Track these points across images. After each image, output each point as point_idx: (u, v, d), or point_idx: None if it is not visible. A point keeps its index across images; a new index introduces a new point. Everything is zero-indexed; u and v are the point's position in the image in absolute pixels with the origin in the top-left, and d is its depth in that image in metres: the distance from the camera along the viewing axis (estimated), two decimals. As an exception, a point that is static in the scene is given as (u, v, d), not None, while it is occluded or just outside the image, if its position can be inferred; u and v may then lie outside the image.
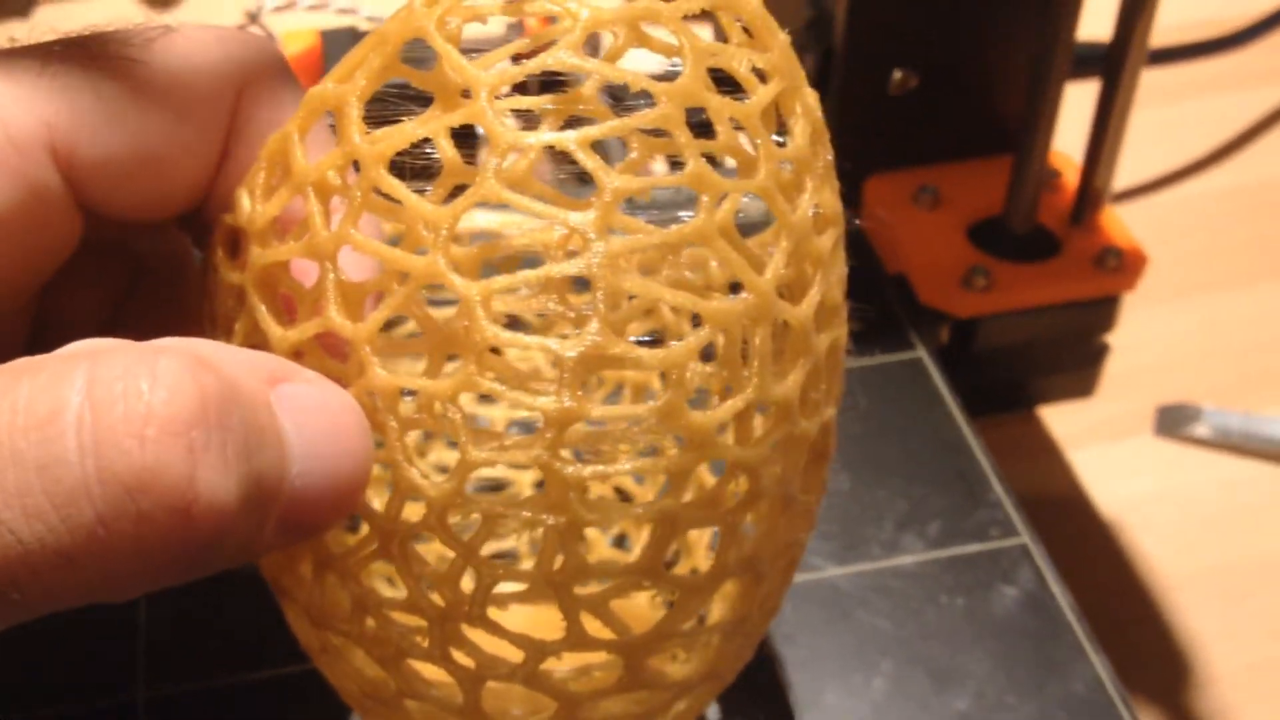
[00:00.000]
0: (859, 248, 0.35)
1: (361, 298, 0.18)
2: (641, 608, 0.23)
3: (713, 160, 0.17)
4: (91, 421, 0.14)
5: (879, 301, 0.34)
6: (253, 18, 0.48)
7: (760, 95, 0.18)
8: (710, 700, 0.22)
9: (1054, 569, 0.28)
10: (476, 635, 0.18)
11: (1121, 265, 0.36)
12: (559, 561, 0.17)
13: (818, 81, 0.38)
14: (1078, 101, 0.36)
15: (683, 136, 0.17)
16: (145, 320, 0.22)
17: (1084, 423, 0.42)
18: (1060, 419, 0.42)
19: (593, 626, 0.18)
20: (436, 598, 0.18)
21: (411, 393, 0.17)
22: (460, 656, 0.19)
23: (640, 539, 0.28)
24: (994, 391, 0.39)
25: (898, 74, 0.37)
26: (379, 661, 0.19)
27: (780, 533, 0.19)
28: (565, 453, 0.17)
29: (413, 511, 0.17)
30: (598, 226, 0.16)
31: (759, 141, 0.17)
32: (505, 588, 0.18)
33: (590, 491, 0.17)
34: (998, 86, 0.38)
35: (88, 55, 0.18)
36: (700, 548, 0.26)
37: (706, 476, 0.23)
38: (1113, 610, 0.37)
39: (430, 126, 0.17)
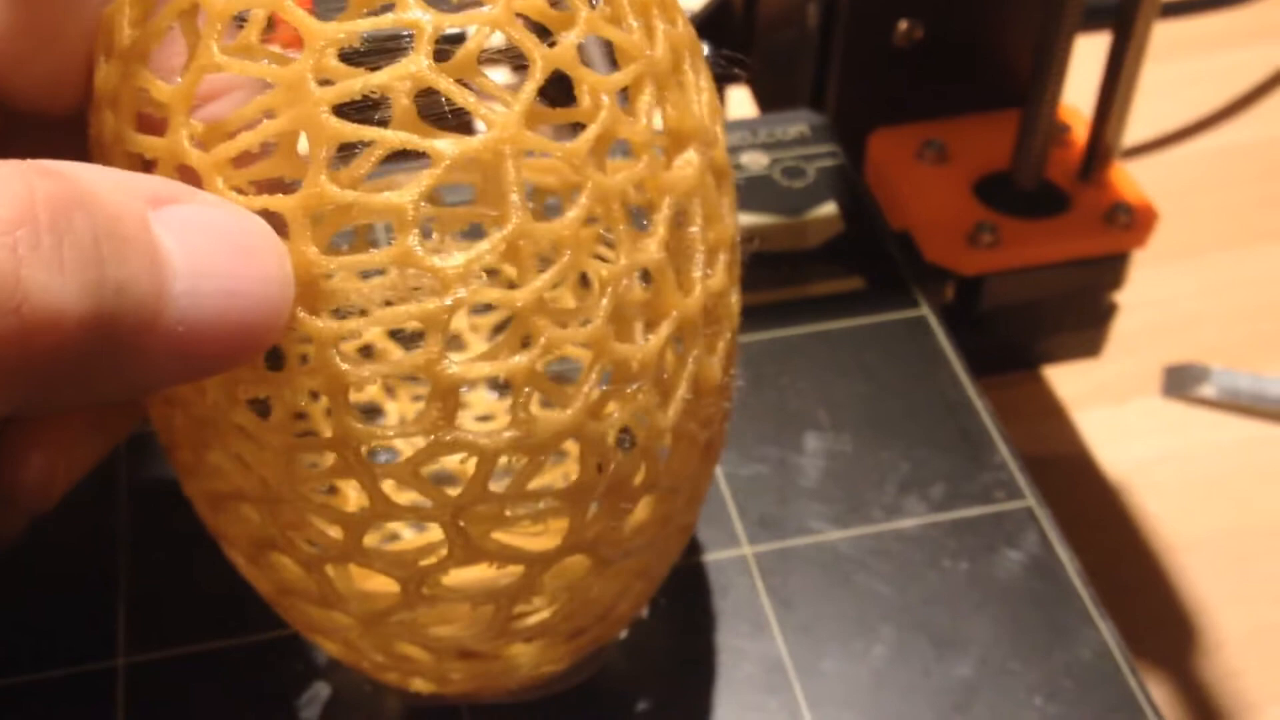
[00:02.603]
0: (862, 204, 0.35)
1: None
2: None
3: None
4: None
5: (882, 259, 0.33)
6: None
7: None
8: (621, 588, 0.21)
9: (1059, 533, 0.27)
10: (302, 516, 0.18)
11: (1132, 222, 0.35)
12: (335, 426, 0.17)
13: (821, 33, 0.37)
14: (1086, 54, 0.35)
15: None
16: None
17: (1090, 383, 0.41)
18: (1066, 379, 0.41)
19: (405, 497, 0.18)
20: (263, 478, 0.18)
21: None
22: (297, 538, 0.19)
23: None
24: (998, 351, 0.38)
25: (902, 25, 0.36)
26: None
27: (624, 398, 0.18)
28: (327, 314, 0.16)
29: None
30: (308, 76, 0.16)
31: None
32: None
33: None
34: (1005, 38, 0.37)
35: None
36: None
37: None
38: (1117, 574, 0.36)
39: (167, 10, 0.17)
